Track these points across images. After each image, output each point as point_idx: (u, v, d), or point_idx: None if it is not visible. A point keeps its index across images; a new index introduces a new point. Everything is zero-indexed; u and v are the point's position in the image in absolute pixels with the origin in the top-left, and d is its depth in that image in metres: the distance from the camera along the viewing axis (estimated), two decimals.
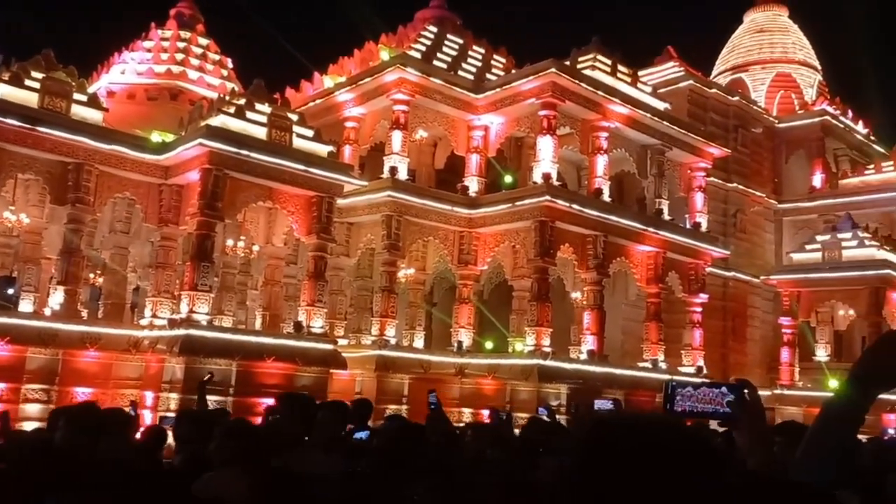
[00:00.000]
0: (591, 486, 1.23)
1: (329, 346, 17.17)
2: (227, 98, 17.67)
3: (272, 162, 16.44)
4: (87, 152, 16.03)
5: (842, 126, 31.39)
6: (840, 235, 25.65)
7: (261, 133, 16.64)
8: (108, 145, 16.26)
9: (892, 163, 28.94)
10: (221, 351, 15.43)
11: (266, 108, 17.15)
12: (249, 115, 16.70)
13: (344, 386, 17.22)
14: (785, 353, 26.30)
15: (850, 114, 32.37)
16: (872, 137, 33.15)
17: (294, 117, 17.62)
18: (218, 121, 16.29)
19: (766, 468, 1.99)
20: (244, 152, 16.05)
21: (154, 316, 16.76)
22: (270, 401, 14.82)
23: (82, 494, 2.55)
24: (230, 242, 18.01)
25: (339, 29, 47.74)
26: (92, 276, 19.76)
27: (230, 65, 23.27)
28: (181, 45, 22.42)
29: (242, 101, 17.03)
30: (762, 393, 24.48)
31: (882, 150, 31.88)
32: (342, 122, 21.15)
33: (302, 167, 16.81)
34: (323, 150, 17.62)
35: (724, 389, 2.03)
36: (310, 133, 17.56)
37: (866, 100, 54.78)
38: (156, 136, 17.52)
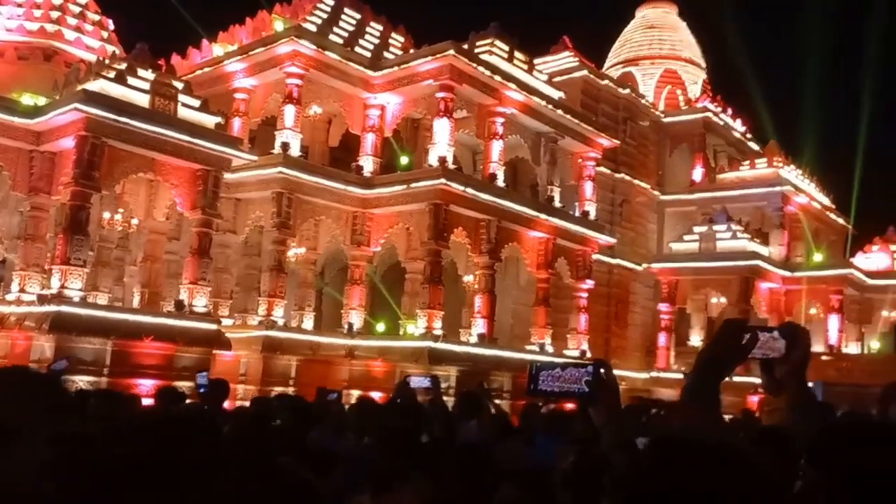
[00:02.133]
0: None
1: (212, 326, 16.56)
2: (107, 62, 16.63)
3: (155, 131, 15.59)
4: None
5: (721, 123, 33.08)
6: (715, 227, 27.10)
7: (143, 100, 15.74)
8: None
9: (765, 160, 30.77)
10: (95, 329, 14.57)
11: (149, 74, 16.23)
12: (131, 80, 15.75)
13: (228, 367, 16.66)
14: (662, 338, 27.64)
15: (729, 112, 34.17)
16: (749, 135, 35.16)
17: (179, 85, 16.76)
18: (96, 85, 15.30)
19: (617, 444, 2.12)
20: (124, 120, 15.14)
21: (22, 291, 15.71)
22: (148, 382, 14.28)
23: None
24: (107, 215, 17.05)
25: None
26: None
27: (111, 26, 21.86)
28: (57, 1, 20.84)
29: (124, 66, 16.04)
30: (640, 375, 25.55)
31: (757, 148, 33.87)
32: (231, 93, 20.34)
33: (187, 138, 16.04)
34: (210, 121, 16.88)
35: (585, 370, 2.09)
36: (196, 103, 16.76)
37: (744, 99, 58.00)
38: (27, 99, 16.35)
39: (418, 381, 6.64)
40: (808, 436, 1.96)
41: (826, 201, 33.60)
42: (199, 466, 1.59)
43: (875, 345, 29.69)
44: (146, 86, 15.90)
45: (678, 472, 1.24)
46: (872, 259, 29.50)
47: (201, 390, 7.23)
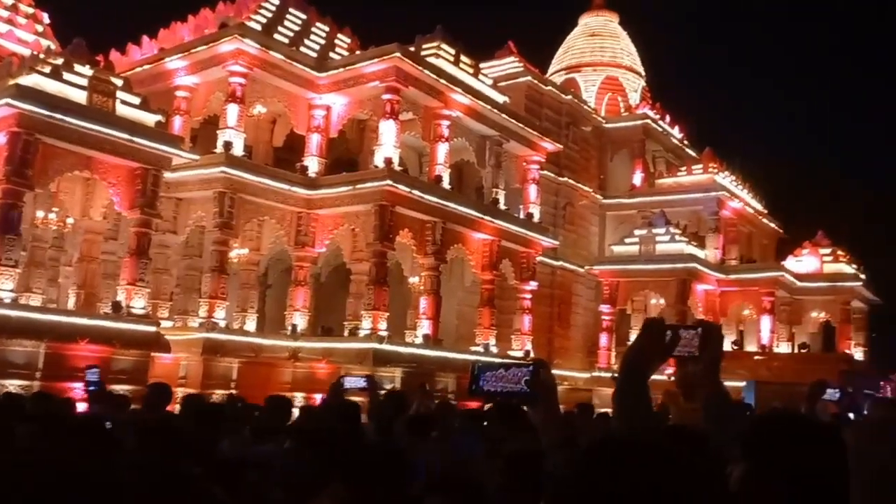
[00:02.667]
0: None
1: (151, 328, 16.18)
2: (42, 56, 16.06)
3: (92, 129, 15.17)
4: None
5: (660, 130, 33.95)
6: (654, 231, 27.79)
7: (80, 97, 15.29)
8: None
9: (701, 166, 31.68)
10: (27, 331, 14.09)
11: (87, 70, 15.78)
12: (67, 76, 15.29)
13: (167, 370, 16.30)
14: (603, 339, 28.18)
15: (667, 118, 35.08)
16: (686, 142, 36.15)
17: (118, 82, 16.34)
18: (30, 80, 14.78)
19: (558, 443, 2.12)
20: (59, 116, 14.69)
21: None
22: (81, 385, 13.84)
23: None
24: (41, 214, 16.52)
25: None
26: None
27: (46, 20, 21.16)
28: None
29: (60, 61, 15.56)
30: (582, 375, 25.89)
31: (693, 154, 34.83)
32: (173, 91, 19.93)
33: (125, 136, 15.65)
34: (150, 119, 16.50)
35: (526, 370, 2.11)
36: (136, 100, 16.38)
37: (682, 107, 59.64)
38: None
39: (353, 382, 6.25)
40: (724, 434, 2.04)
41: (759, 206, 34.78)
42: (91, 483, 1.45)
43: (805, 345, 30.85)
44: (83, 82, 15.46)
45: (610, 470, 1.22)
46: (802, 262, 30.66)
47: (91, 388, 6.80)
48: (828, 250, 30.54)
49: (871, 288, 31.29)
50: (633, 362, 2.00)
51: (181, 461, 3.19)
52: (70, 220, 17.22)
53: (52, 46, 19.19)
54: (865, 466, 1.70)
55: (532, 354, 22.91)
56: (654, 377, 2.03)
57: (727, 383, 2.37)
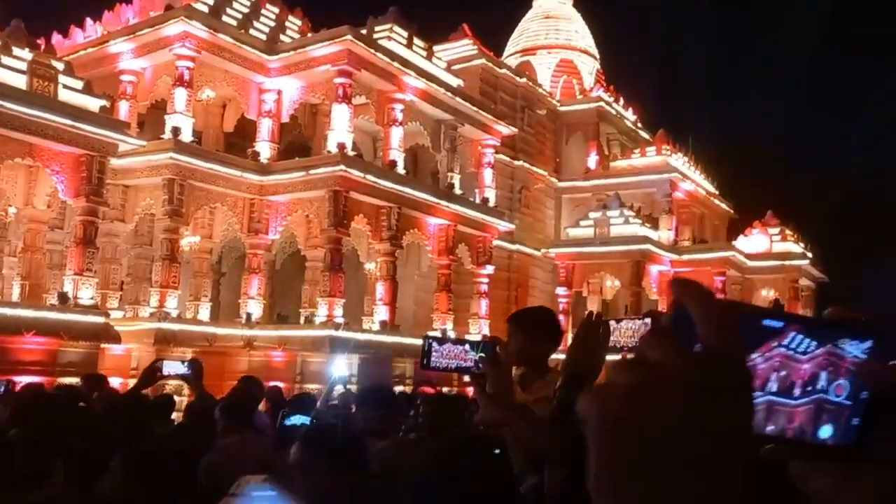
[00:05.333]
0: None
1: (100, 319, 15.80)
2: None
3: (33, 115, 14.64)
4: None
5: (614, 112, 34.21)
6: (609, 213, 28.08)
7: (19, 81, 14.74)
8: None
9: (654, 148, 32.08)
10: None
11: (26, 53, 15.21)
12: (6, 60, 14.72)
13: (118, 362, 15.99)
14: (561, 321, 28.40)
15: (621, 101, 35.37)
16: (640, 124, 36.54)
17: (60, 66, 15.80)
18: None
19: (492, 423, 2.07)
20: None
21: None
22: (29, 379, 13.46)
23: None
24: None
25: None
26: None
27: None
28: None
29: None
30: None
31: (647, 137, 35.23)
32: (118, 75, 19.36)
33: (69, 122, 15.15)
34: (94, 104, 16.00)
35: (479, 345, 2.12)
36: (79, 85, 15.86)
37: (635, 89, 60.27)
38: None
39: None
40: None
41: (710, 188, 35.41)
42: None
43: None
44: (23, 66, 14.89)
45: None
46: (752, 242, 31.35)
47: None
48: (776, 230, 31.28)
49: (818, 266, 32.19)
50: (574, 373, 1.97)
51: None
52: (12, 210, 16.69)
53: None
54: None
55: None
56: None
57: None
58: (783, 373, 0.53)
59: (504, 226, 24.84)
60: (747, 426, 0.48)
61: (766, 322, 0.52)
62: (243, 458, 4.02)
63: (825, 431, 0.53)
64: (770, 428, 0.52)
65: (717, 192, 36.05)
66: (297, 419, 4.74)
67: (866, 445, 0.52)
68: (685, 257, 29.56)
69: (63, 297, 15.56)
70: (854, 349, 0.53)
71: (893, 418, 0.52)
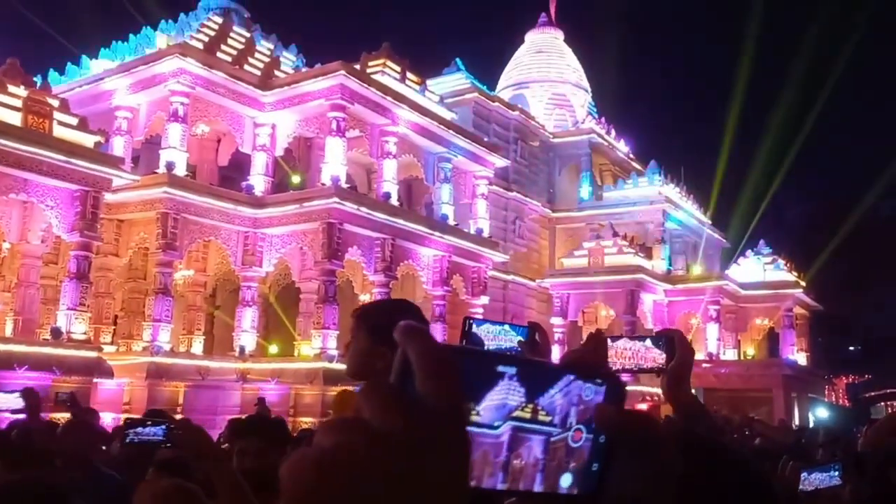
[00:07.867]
0: None
1: (92, 354, 15.77)
2: None
3: (28, 151, 14.78)
4: None
5: (606, 143, 34.56)
6: (602, 243, 28.21)
7: (14, 118, 14.90)
8: None
9: (646, 179, 32.32)
10: None
11: (22, 90, 15.39)
12: (1, 97, 14.90)
13: (111, 396, 15.93)
14: (556, 351, 28.37)
15: (612, 133, 35.73)
16: (632, 155, 36.88)
17: (55, 102, 15.99)
18: None
19: None
20: None
21: None
22: (19, 416, 13.38)
23: None
24: None
25: (112, 11, 44.13)
26: None
27: None
28: None
29: None
30: None
31: (639, 167, 35.52)
32: (113, 111, 19.57)
33: (63, 158, 15.29)
34: (88, 140, 16.17)
35: (519, 332, 2.10)
36: (74, 121, 16.04)
37: (627, 121, 60.86)
38: None
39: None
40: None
41: (703, 217, 35.61)
42: None
43: (750, 351, 31.61)
44: (18, 103, 15.07)
45: None
46: (745, 270, 31.46)
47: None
48: (769, 259, 31.41)
49: (812, 294, 32.26)
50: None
51: None
52: (6, 245, 16.72)
53: None
54: None
55: None
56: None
57: None
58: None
59: (498, 256, 24.92)
60: (460, 484, 0.45)
61: (500, 368, 0.52)
62: None
63: (566, 480, 0.53)
64: (501, 485, 0.52)
65: (709, 221, 36.26)
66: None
67: (604, 490, 0.52)
68: (679, 286, 29.63)
69: (56, 332, 15.54)
70: (593, 394, 0.54)
71: (625, 462, 0.53)
